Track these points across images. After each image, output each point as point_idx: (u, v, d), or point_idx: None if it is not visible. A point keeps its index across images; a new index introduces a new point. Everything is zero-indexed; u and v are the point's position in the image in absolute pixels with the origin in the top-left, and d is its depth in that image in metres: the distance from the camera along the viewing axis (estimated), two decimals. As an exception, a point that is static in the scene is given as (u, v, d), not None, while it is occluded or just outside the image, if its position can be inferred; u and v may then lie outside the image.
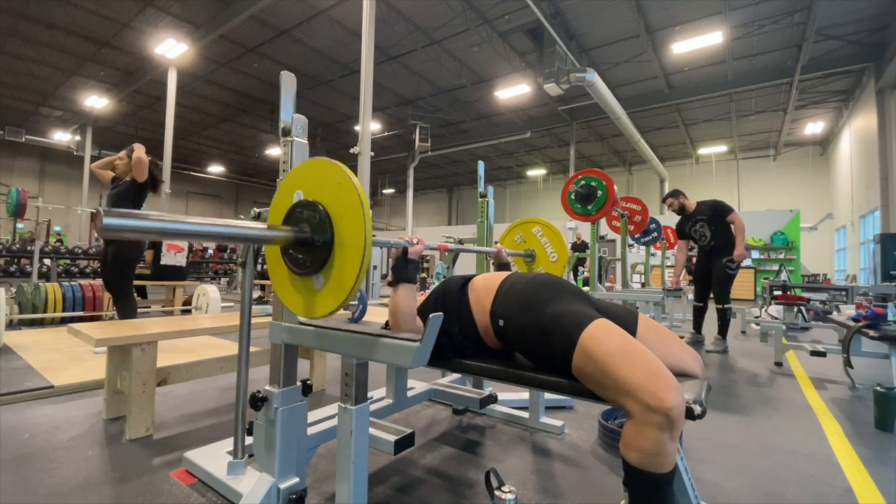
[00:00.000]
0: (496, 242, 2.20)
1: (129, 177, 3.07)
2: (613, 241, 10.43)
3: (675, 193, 4.23)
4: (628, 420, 0.90)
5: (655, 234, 5.34)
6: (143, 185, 3.05)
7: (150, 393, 1.77)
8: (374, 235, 1.09)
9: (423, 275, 13.36)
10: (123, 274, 3.02)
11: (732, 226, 3.93)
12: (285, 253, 1.13)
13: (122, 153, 3.14)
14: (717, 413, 2.26)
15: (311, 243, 1.06)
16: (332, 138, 15.82)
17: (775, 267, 11.21)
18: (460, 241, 2.66)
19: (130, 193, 3.03)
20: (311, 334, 1.21)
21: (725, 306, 3.98)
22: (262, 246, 1.42)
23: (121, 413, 1.94)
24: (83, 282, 4.66)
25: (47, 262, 7.41)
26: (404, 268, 1.25)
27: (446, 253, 2.66)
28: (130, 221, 0.80)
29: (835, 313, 4.07)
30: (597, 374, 0.94)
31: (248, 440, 1.36)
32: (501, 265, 1.98)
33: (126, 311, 2.97)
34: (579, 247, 8.05)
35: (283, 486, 1.23)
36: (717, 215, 3.98)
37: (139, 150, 3.01)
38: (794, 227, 11.92)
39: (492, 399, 1.98)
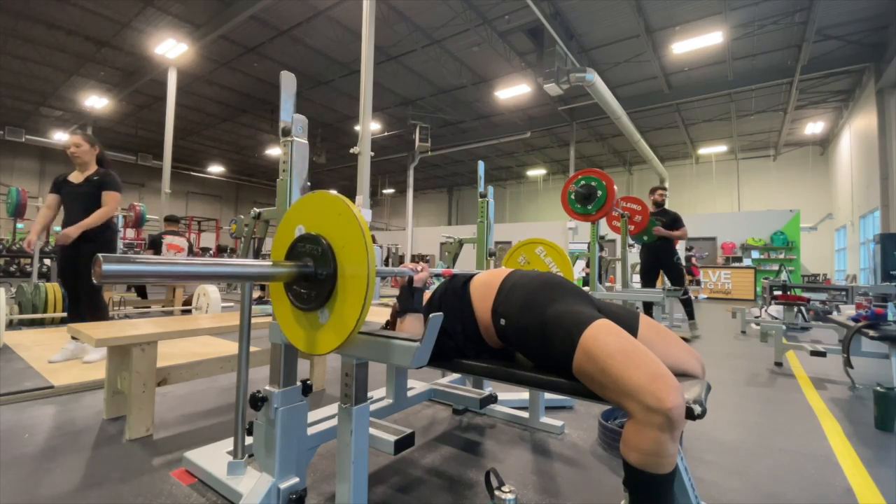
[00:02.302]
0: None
1: (91, 171, 2.88)
2: (613, 241, 10.43)
3: (666, 191, 5.12)
4: (629, 420, 0.90)
5: (655, 235, 5.35)
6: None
7: (150, 393, 1.77)
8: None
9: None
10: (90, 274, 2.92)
11: (677, 231, 4.80)
12: (289, 288, 1.11)
13: (77, 138, 2.85)
14: (717, 413, 2.26)
15: (314, 277, 1.04)
16: (332, 138, 15.82)
17: (775, 267, 11.21)
18: (460, 242, 2.66)
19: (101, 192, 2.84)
20: (311, 334, 1.21)
21: (688, 296, 4.87)
22: (263, 242, 1.42)
23: (121, 413, 1.94)
24: (83, 282, 4.65)
25: (47, 262, 7.41)
26: (410, 297, 1.24)
27: (446, 253, 2.66)
28: (130, 267, 0.79)
29: (835, 313, 4.07)
30: (597, 374, 0.94)
31: (248, 440, 1.36)
32: None
33: (101, 310, 2.84)
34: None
35: (283, 486, 1.23)
36: (672, 224, 4.85)
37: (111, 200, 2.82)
38: (794, 227, 11.92)
39: (492, 399, 1.98)
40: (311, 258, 1.05)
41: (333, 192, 1.08)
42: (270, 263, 1.05)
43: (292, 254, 1.10)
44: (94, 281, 0.75)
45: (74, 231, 2.70)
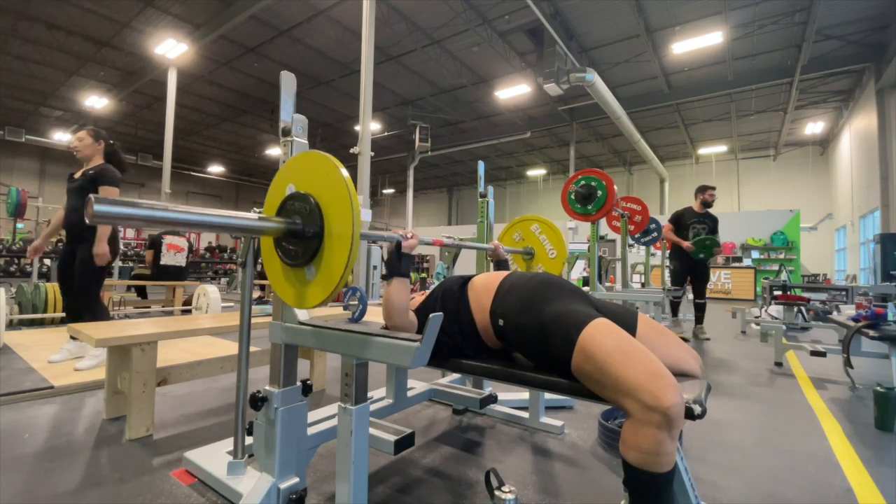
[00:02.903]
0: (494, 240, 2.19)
1: (90, 165, 2.77)
2: (613, 241, 10.45)
3: (715, 190, 4.83)
4: (627, 419, 0.90)
5: (655, 234, 5.34)
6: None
7: (150, 393, 1.77)
8: (372, 226, 1.09)
9: (423, 274, 13.36)
10: (97, 277, 2.73)
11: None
12: (278, 245, 1.14)
13: (82, 133, 2.78)
14: (717, 413, 2.26)
15: (302, 234, 1.07)
16: (332, 138, 15.82)
17: (775, 267, 11.21)
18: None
19: (94, 186, 2.69)
20: (311, 334, 1.21)
21: (705, 300, 4.79)
22: (260, 243, 1.42)
23: (121, 413, 1.94)
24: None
25: (47, 262, 7.41)
26: (398, 262, 1.26)
27: (446, 253, 2.66)
28: (122, 209, 0.80)
29: (835, 313, 4.06)
30: (596, 373, 0.94)
31: (248, 440, 1.36)
32: (499, 262, 1.98)
33: (99, 313, 2.70)
34: None
35: (283, 486, 1.23)
36: (716, 228, 4.69)
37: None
38: (794, 227, 11.92)
39: (492, 399, 1.98)
40: (299, 216, 1.08)
41: (323, 152, 1.10)
42: (258, 217, 1.07)
43: (282, 211, 1.13)
44: (87, 221, 0.75)
45: (101, 249, 2.62)
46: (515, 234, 2.42)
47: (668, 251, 5.02)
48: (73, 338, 2.79)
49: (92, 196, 0.74)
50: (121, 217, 0.81)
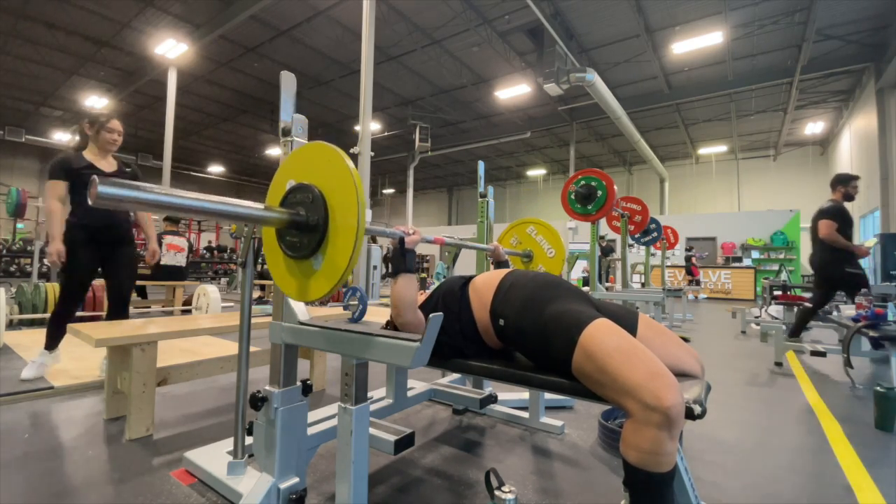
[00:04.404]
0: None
1: (107, 158, 2.62)
2: (613, 240, 10.45)
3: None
4: (628, 419, 0.90)
5: (655, 234, 5.34)
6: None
7: (150, 393, 1.77)
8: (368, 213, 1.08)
9: (423, 275, 13.36)
10: (135, 277, 2.73)
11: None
12: (281, 238, 1.13)
13: (118, 123, 2.69)
14: (717, 413, 2.26)
15: (305, 224, 1.05)
16: (332, 138, 15.74)
17: (775, 267, 11.21)
18: (460, 242, 2.65)
19: None
20: (311, 334, 1.21)
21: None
22: (263, 243, 1.42)
23: (121, 413, 1.94)
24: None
25: (47, 262, 7.40)
26: (402, 258, 1.26)
27: (446, 253, 2.66)
28: (126, 192, 0.79)
29: (835, 313, 4.06)
30: (596, 373, 0.94)
31: (248, 440, 1.36)
32: (500, 263, 1.98)
33: (127, 312, 2.61)
34: (605, 249, 7.75)
35: (283, 486, 1.23)
36: None
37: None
38: (794, 227, 11.92)
39: (492, 399, 1.98)
40: (302, 207, 1.06)
41: (322, 142, 1.09)
42: (263, 206, 1.05)
43: (284, 205, 1.11)
44: (90, 202, 0.75)
45: (157, 246, 2.74)
46: (512, 239, 2.42)
47: (814, 254, 3.65)
48: (47, 349, 2.51)
49: (95, 177, 0.74)
50: (127, 200, 0.80)
